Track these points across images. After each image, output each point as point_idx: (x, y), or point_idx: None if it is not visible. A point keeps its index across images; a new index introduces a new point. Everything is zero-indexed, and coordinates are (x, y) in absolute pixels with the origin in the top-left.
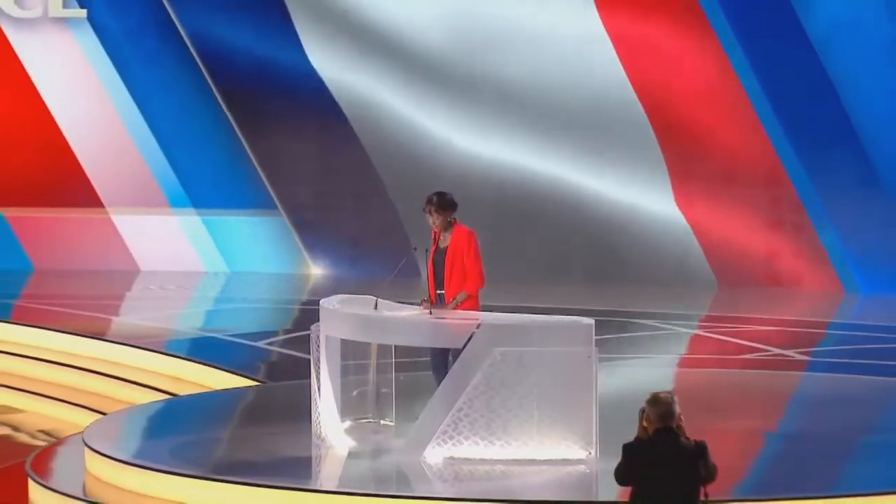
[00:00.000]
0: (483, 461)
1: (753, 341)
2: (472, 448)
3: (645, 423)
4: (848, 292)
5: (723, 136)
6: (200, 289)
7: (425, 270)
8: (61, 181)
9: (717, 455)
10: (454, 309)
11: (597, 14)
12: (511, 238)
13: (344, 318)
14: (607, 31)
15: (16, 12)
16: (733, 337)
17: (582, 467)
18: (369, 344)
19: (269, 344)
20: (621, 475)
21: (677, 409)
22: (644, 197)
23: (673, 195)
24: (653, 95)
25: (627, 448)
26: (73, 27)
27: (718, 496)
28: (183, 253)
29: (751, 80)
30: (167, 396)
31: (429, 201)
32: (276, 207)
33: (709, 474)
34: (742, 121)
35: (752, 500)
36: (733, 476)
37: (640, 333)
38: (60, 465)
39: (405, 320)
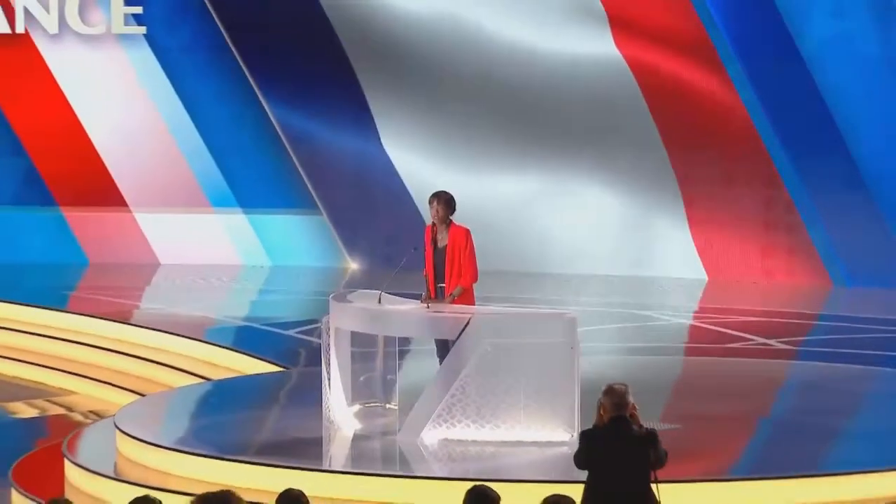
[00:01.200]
0: (474, 443)
1: (740, 331)
2: (464, 430)
3: (602, 412)
4: (835, 286)
5: (722, 143)
6: (244, 281)
7: (423, 267)
8: (117, 183)
9: (687, 438)
10: (451, 302)
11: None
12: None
13: (351, 311)
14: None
15: (82, 29)
16: (722, 327)
17: (565, 449)
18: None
19: (300, 333)
20: (579, 460)
21: (630, 399)
22: (650, 193)
23: (679, 188)
24: (661, 105)
25: (585, 434)
26: (133, 43)
27: (685, 476)
28: (229, 249)
29: (748, 92)
30: (201, 381)
31: (437, 195)
32: (316, 207)
33: (658, 460)
34: (740, 128)
35: (710, 480)
36: (698, 457)
37: (635, 324)
38: (95, 445)
39: (405, 314)
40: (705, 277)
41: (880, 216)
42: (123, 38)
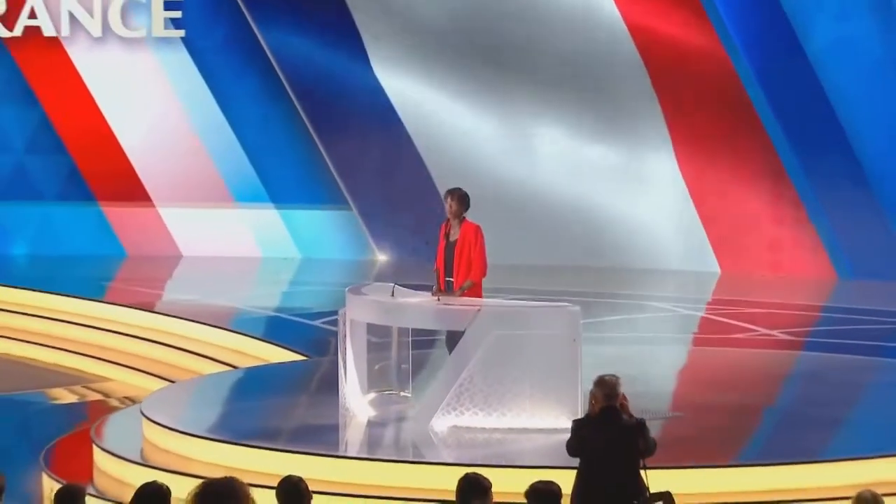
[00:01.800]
0: (482, 430)
1: (746, 322)
2: (472, 418)
3: (593, 402)
4: (840, 278)
5: (732, 141)
6: (275, 273)
7: (435, 260)
8: (154, 180)
9: (689, 425)
10: (461, 295)
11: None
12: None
13: (365, 303)
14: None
15: (124, 32)
16: (729, 318)
17: (568, 436)
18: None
19: (326, 323)
20: (571, 448)
21: (620, 389)
22: (662, 193)
23: (688, 190)
24: (675, 106)
25: (576, 423)
26: (171, 45)
27: (677, 462)
28: (261, 242)
29: (757, 91)
30: (229, 369)
31: (452, 191)
32: (346, 202)
33: (647, 448)
34: (749, 127)
35: (710, 467)
36: (699, 444)
37: (647, 315)
38: (122, 431)
39: (416, 306)
40: (718, 270)
41: (882, 212)
42: (162, 40)
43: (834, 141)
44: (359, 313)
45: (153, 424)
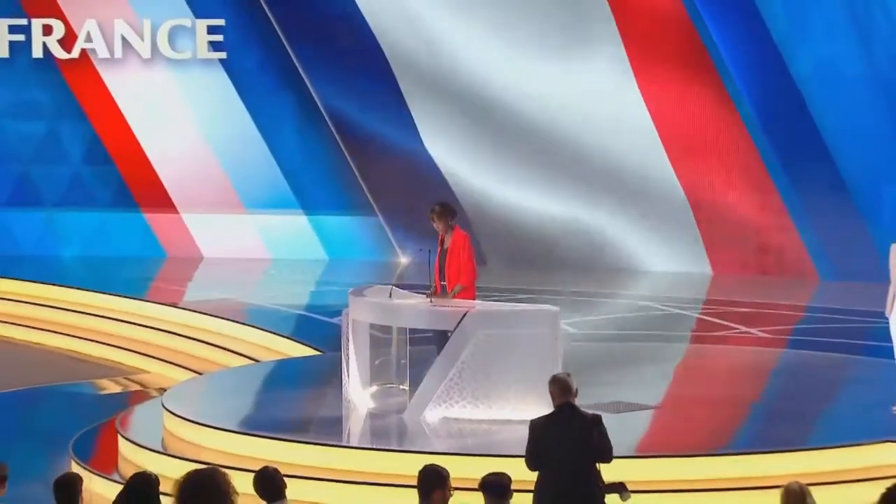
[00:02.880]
0: (470, 420)
1: (727, 320)
2: (461, 410)
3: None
4: (822, 280)
5: (725, 156)
6: (304, 274)
7: (432, 266)
8: (194, 188)
9: (663, 417)
10: (453, 297)
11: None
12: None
13: (365, 304)
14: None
15: (171, 54)
16: (714, 318)
17: None
18: None
19: None
20: (530, 456)
21: (574, 385)
22: (657, 199)
23: (686, 200)
24: (668, 128)
25: (535, 424)
26: (213, 67)
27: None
28: (295, 245)
29: (746, 108)
30: (251, 363)
31: (432, 210)
32: (372, 210)
33: (602, 443)
34: (741, 143)
35: (680, 456)
36: (671, 434)
37: (641, 314)
38: (145, 421)
39: (410, 307)
40: (710, 272)
41: (861, 219)
42: (205, 62)
43: (817, 154)
44: (360, 314)
45: (172, 416)
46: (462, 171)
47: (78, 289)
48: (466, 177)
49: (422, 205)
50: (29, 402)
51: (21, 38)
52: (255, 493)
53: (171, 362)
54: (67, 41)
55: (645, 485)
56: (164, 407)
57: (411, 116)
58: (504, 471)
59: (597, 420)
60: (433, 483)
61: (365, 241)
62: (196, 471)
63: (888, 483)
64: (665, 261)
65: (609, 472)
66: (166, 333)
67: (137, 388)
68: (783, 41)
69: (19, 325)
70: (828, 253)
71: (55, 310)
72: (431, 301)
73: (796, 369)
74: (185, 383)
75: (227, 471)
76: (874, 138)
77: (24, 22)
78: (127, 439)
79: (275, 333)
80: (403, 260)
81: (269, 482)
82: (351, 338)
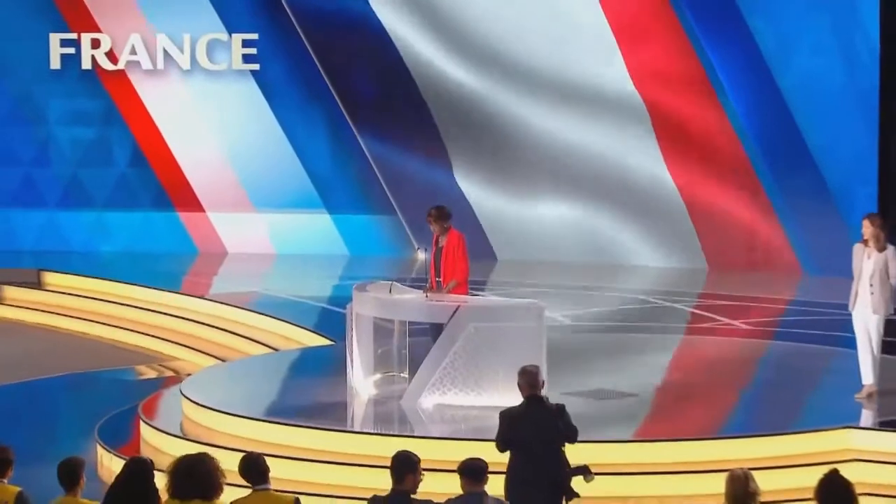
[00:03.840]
0: (461, 407)
1: (712, 313)
2: (454, 396)
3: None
4: (810, 275)
5: (719, 160)
6: (328, 269)
7: (428, 263)
8: (226, 190)
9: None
10: (448, 292)
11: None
12: None
13: (367, 299)
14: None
15: (209, 66)
16: (699, 310)
17: None
18: None
19: None
20: (499, 442)
21: (542, 378)
22: (656, 201)
23: (683, 202)
24: (671, 135)
25: (505, 414)
26: (247, 77)
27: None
28: (319, 242)
29: (738, 118)
30: (270, 351)
31: (429, 214)
32: (393, 209)
33: (567, 429)
34: (731, 149)
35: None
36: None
37: (634, 306)
38: (167, 407)
39: (407, 302)
40: (706, 267)
41: (841, 219)
42: (240, 73)
43: (801, 160)
44: (362, 308)
45: (189, 402)
46: (477, 191)
47: (119, 282)
48: (480, 195)
49: (438, 202)
50: (70, 387)
51: (71, 51)
52: (240, 476)
53: (200, 350)
54: (113, 54)
55: (612, 467)
56: (181, 393)
57: (433, 120)
58: (481, 456)
59: (561, 410)
60: (406, 467)
61: (384, 238)
62: (188, 455)
63: (854, 466)
64: (662, 257)
65: (580, 454)
66: (195, 323)
67: (171, 374)
68: (771, 56)
69: (67, 315)
70: (811, 249)
71: (99, 301)
72: (427, 296)
73: (772, 359)
74: (204, 371)
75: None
76: (852, 145)
77: (73, 36)
78: (148, 424)
79: (293, 324)
80: (421, 256)
81: (254, 467)
82: (354, 330)
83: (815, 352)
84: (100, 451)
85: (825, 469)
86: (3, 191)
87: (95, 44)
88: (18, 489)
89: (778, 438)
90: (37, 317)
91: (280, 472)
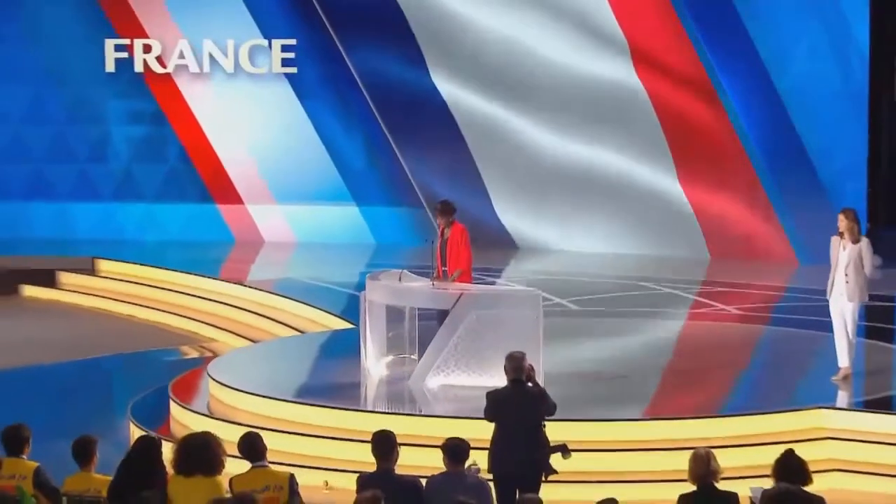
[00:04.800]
0: (464, 387)
1: (709, 299)
2: (458, 377)
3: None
4: (803, 264)
5: (721, 159)
6: (359, 257)
7: (435, 253)
8: (264, 184)
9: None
10: (453, 281)
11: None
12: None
13: (379, 287)
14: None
15: (250, 69)
16: (697, 296)
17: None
18: None
19: None
20: (488, 416)
21: (527, 363)
22: (666, 197)
23: (687, 198)
24: (677, 136)
25: (491, 394)
26: (284, 80)
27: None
28: (349, 233)
29: (738, 119)
30: (297, 333)
31: (435, 207)
32: (421, 203)
33: (548, 409)
34: (733, 149)
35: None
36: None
37: (635, 293)
38: (194, 387)
39: (415, 289)
40: (708, 256)
41: (833, 212)
42: (279, 75)
43: (797, 158)
44: (374, 295)
45: (215, 382)
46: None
47: (163, 268)
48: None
49: (461, 198)
50: (115, 367)
51: (125, 55)
52: (240, 454)
53: (235, 332)
54: (163, 59)
55: (594, 444)
56: (208, 375)
57: (455, 121)
58: (465, 437)
59: (542, 393)
60: (389, 446)
61: (411, 229)
62: (192, 434)
63: (823, 444)
64: (668, 247)
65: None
66: (233, 307)
67: (209, 354)
68: (769, 62)
69: (117, 299)
70: (805, 241)
71: (145, 286)
72: (434, 284)
73: (758, 343)
74: (231, 353)
75: (248, 431)
76: (844, 144)
77: (126, 42)
78: (177, 402)
79: (321, 309)
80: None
81: (252, 446)
82: (367, 316)
83: (799, 336)
84: (132, 427)
85: (802, 447)
86: (63, 185)
87: (147, 49)
88: (36, 464)
89: (756, 418)
90: (90, 301)
91: (296, 448)
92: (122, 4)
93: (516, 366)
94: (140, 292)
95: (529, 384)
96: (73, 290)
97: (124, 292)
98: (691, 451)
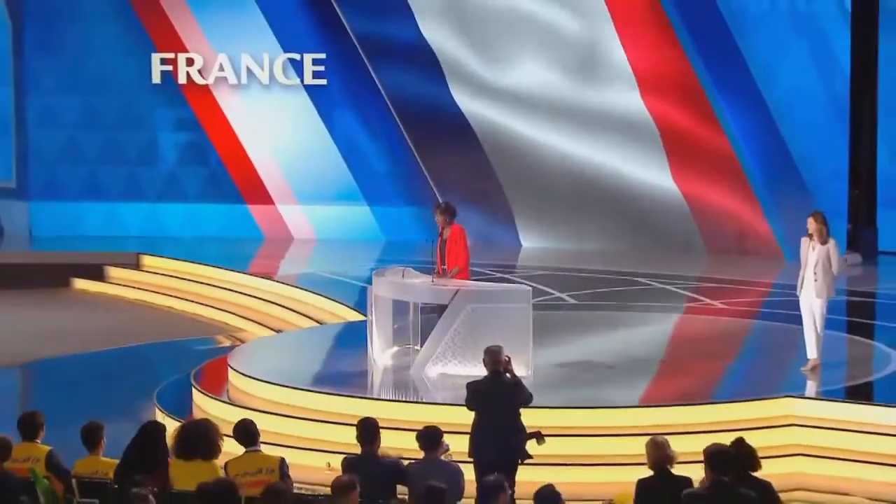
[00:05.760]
0: (461, 376)
1: (697, 294)
2: (455, 367)
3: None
4: (789, 262)
5: (716, 165)
6: (375, 254)
7: (435, 252)
8: (288, 186)
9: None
10: (452, 278)
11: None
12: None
13: (383, 282)
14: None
15: (284, 81)
16: (689, 291)
17: (524, 381)
18: None
19: None
20: (469, 404)
21: (504, 357)
22: (665, 199)
23: (685, 200)
24: (675, 145)
25: (471, 385)
26: (315, 91)
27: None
28: (366, 230)
29: (731, 130)
30: (316, 324)
31: (437, 206)
32: (434, 193)
33: (524, 399)
34: (726, 157)
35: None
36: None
37: (631, 288)
38: (216, 375)
39: (416, 285)
40: (704, 254)
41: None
42: (311, 87)
43: (785, 163)
44: (380, 290)
45: (235, 372)
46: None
47: (200, 264)
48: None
49: (478, 193)
50: (149, 354)
51: (170, 68)
52: (235, 439)
53: (261, 323)
54: (204, 71)
55: (577, 430)
56: (228, 364)
57: (470, 126)
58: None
59: (517, 384)
60: (373, 432)
61: (425, 228)
62: (191, 420)
63: (789, 430)
64: (665, 245)
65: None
66: (260, 300)
67: (238, 344)
68: (760, 76)
69: (158, 292)
70: (791, 239)
71: (183, 280)
72: (433, 281)
73: (737, 335)
74: (250, 343)
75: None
76: (827, 151)
77: (171, 55)
78: (198, 389)
79: (339, 302)
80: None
81: (246, 431)
82: (374, 309)
83: (776, 328)
84: (157, 412)
85: (770, 433)
86: (113, 187)
87: (189, 62)
88: (49, 448)
89: (727, 406)
90: (134, 293)
91: (305, 433)
92: (164, 23)
93: (494, 359)
94: (179, 285)
95: (507, 375)
96: (120, 283)
97: (165, 285)
98: (676, 435)
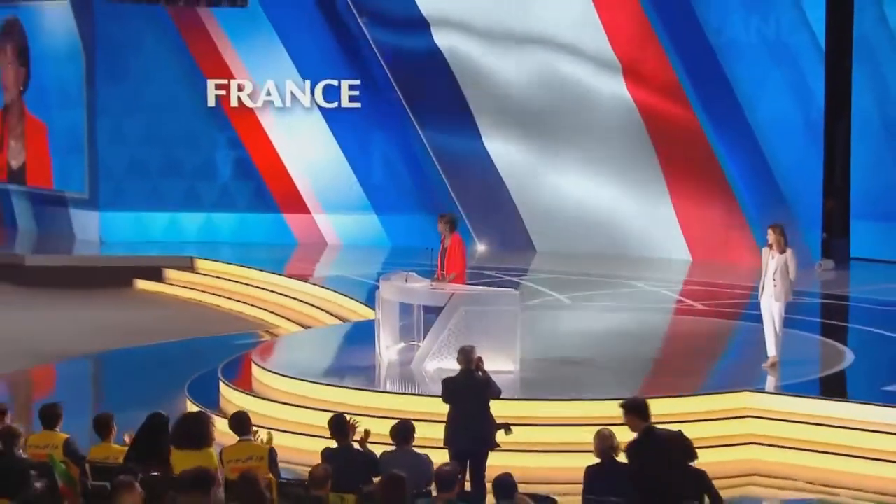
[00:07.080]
0: (456, 371)
1: (681, 295)
2: (450, 362)
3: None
4: None
5: (702, 178)
6: (394, 257)
7: (435, 259)
8: (312, 195)
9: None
10: (449, 282)
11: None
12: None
13: (388, 286)
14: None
15: (323, 104)
16: (672, 292)
17: (511, 375)
18: None
19: None
20: (445, 398)
21: (475, 356)
22: (658, 210)
23: (674, 211)
24: (668, 157)
25: (446, 381)
26: (350, 113)
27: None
28: (393, 237)
29: (719, 149)
30: (340, 323)
31: (441, 216)
32: (456, 205)
33: (493, 393)
34: (714, 172)
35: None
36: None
37: (620, 290)
38: (241, 369)
39: (417, 289)
40: (690, 259)
41: (796, 223)
42: (346, 109)
43: (766, 178)
44: (386, 293)
45: (258, 368)
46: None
47: (243, 266)
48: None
49: (495, 209)
50: (193, 348)
51: (223, 92)
52: (230, 429)
53: (294, 321)
54: (253, 95)
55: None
56: (252, 360)
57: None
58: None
59: (487, 380)
60: (345, 427)
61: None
62: (187, 413)
63: (748, 421)
64: (659, 251)
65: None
66: (294, 299)
67: (271, 337)
68: (744, 98)
69: (209, 292)
70: None
71: (231, 281)
72: (433, 285)
73: (708, 334)
74: (275, 339)
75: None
76: (803, 168)
77: (224, 81)
78: (225, 382)
79: (362, 302)
80: (481, 247)
81: (240, 422)
82: (381, 310)
83: (744, 328)
84: (188, 403)
85: (730, 423)
86: (174, 197)
87: (241, 87)
88: (66, 436)
89: (691, 399)
90: (189, 293)
91: (317, 421)
92: (213, 53)
93: (467, 357)
94: (226, 286)
95: (479, 373)
96: (177, 284)
97: (215, 286)
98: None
